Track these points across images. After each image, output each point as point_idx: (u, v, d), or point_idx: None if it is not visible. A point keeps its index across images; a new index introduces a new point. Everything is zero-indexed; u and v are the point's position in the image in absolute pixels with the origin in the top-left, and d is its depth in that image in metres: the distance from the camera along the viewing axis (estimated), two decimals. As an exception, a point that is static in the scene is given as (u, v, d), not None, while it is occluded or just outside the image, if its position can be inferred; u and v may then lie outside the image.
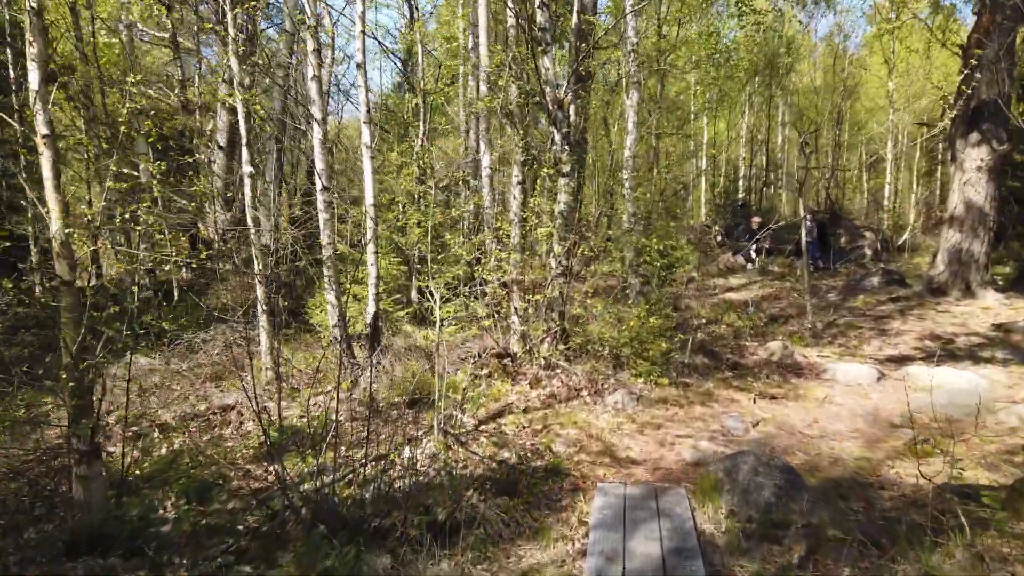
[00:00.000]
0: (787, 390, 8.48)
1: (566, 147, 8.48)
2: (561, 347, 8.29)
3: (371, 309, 8.20)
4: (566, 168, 8.51)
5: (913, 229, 20.29)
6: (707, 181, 24.63)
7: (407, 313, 10.52)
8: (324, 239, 7.75)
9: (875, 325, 11.51)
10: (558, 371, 8.17)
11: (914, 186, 21.05)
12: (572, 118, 8.54)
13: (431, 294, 7.90)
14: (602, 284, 13.34)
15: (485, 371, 8.24)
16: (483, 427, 6.91)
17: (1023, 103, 14.75)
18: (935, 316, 11.86)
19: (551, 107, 8.27)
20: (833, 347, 10.40)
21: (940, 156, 21.60)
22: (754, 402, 7.89)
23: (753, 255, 18.40)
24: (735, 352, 10.15)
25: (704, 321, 11.91)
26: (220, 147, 14.67)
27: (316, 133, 7.68)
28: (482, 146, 10.78)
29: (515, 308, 8.58)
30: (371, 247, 8.17)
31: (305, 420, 7.11)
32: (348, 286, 9.15)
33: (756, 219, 18.30)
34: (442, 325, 9.19)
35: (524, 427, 6.90)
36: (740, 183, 23.21)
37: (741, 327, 10.94)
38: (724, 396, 8.09)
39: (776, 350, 9.88)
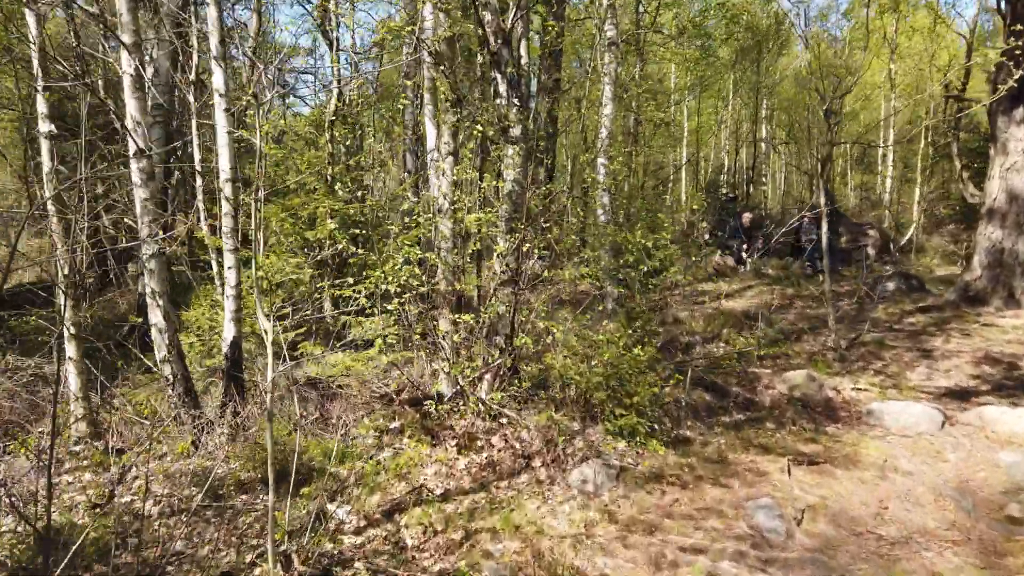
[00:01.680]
0: (827, 447, 5.83)
1: (515, 100, 5.78)
2: (506, 389, 5.59)
3: (228, 334, 5.44)
4: (515, 131, 5.81)
5: (917, 228, 17.89)
6: (689, 175, 22.08)
7: (314, 331, 7.76)
8: (143, 229, 4.98)
9: (912, 344, 8.93)
10: (503, 424, 5.47)
11: (918, 180, 18.62)
12: (523, 58, 5.83)
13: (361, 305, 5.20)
14: (571, 293, 10.66)
15: (397, 423, 5.51)
16: (370, 531, 4.17)
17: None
18: (981, 331, 9.32)
19: (492, 40, 5.56)
20: (868, 375, 7.80)
21: (945, 146, 19.21)
22: (788, 472, 5.21)
23: (744, 256, 15.84)
24: (744, 384, 7.51)
25: (699, 339, 9.27)
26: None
27: (125, 64, 4.93)
28: (428, 123, 7.94)
29: (442, 332, 5.87)
30: (227, 242, 5.42)
31: (100, 511, 4.34)
32: (220, 299, 6.35)
33: (747, 215, 15.73)
34: (356, 347, 6.43)
35: (436, 532, 4.17)
36: (723, 177, 20.63)
37: (747, 348, 8.31)
38: (743, 463, 5.40)
39: (798, 381, 7.26)
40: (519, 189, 5.84)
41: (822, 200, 8.56)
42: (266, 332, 3.38)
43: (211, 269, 8.11)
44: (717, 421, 6.61)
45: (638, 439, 5.31)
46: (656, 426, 5.67)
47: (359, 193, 8.17)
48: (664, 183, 18.97)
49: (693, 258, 15.64)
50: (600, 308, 10.59)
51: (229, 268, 5.44)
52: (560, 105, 17.30)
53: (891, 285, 12.52)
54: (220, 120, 5.42)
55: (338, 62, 8.83)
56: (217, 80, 5.41)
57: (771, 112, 24.36)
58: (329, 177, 8.25)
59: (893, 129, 18.42)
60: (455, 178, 6.06)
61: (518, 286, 5.76)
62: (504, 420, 5.52)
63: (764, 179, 26.26)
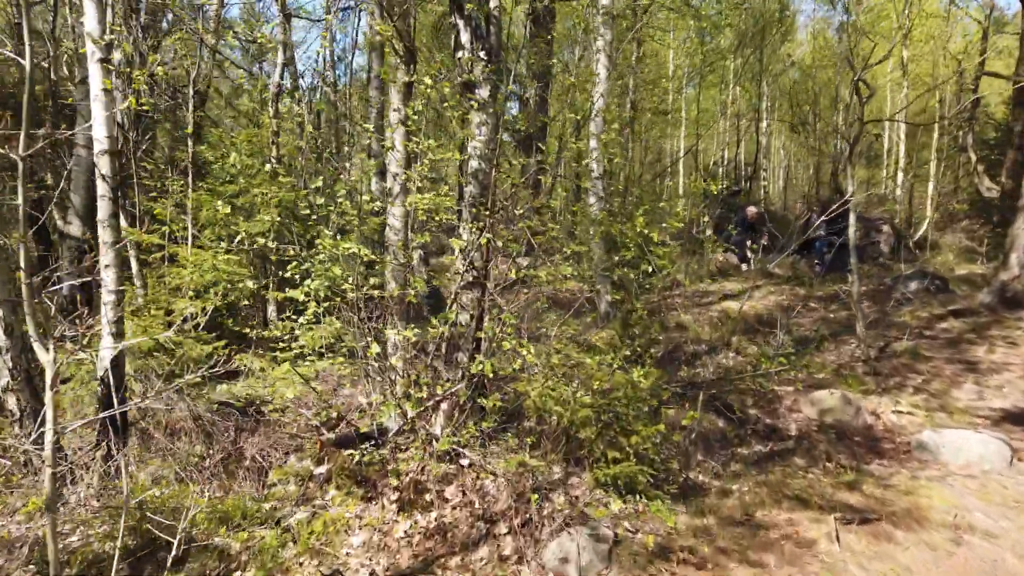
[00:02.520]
0: (878, 496, 4.51)
1: (481, 53, 4.46)
2: (466, 424, 4.26)
3: (105, 352, 4.11)
4: (482, 92, 4.48)
5: (931, 223, 16.60)
6: (688, 168, 20.75)
7: (252, 334, 6.42)
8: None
9: (952, 354, 7.63)
10: (462, 468, 4.14)
11: (931, 173, 17.31)
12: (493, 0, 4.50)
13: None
14: (557, 295, 9.36)
15: (324, 468, 4.19)
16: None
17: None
18: (1028, 339, 8.03)
19: (449, -29, 4.25)
20: (907, 393, 6.48)
21: (957, 138, 17.90)
22: (836, 539, 3.90)
23: (749, 254, 14.53)
24: (763, 406, 6.20)
25: (704, 348, 7.95)
26: None
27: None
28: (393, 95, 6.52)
29: (389, 346, 4.55)
30: (105, 234, 4.09)
31: None
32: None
33: (752, 209, 14.39)
34: (294, 362, 5.13)
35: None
36: (721, 170, 19.25)
37: (769, 367, 6.98)
38: (777, 523, 4.07)
39: (829, 403, 5.94)
40: (485, 167, 4.51)
41: (850, 187, 7.25)
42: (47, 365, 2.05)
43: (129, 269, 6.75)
44: (734, 455, 5.31)
45: (638, 494, 3.99)
46: (660, 473, 4.34)
47: (315, 180, 6.83)
48: (661, 175, 17.65)
49: (695, 255, 14.36)
50: (592, 314, 9.31)
51: (107, 267, 4.11)
52: (552, 92, 15.99)
53: (913, 285, 11.21)
54: (94, 74, 4.09)
55: (287, 23, 7.45)
56: (89, 19, 4.08)
57: (773, 102, 23.04)
58: (274, 160, 6.92)
59: (904, 119, 17.08)
60: (408, 152, 4.73)
61: (485, 290, 4.43)
62: (464, 463, 4.19)
63: (765, 173, 24.96)
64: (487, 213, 4.42)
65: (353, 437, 4.22)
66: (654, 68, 18.67)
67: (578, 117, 6.62)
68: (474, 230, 4.55)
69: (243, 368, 6.40)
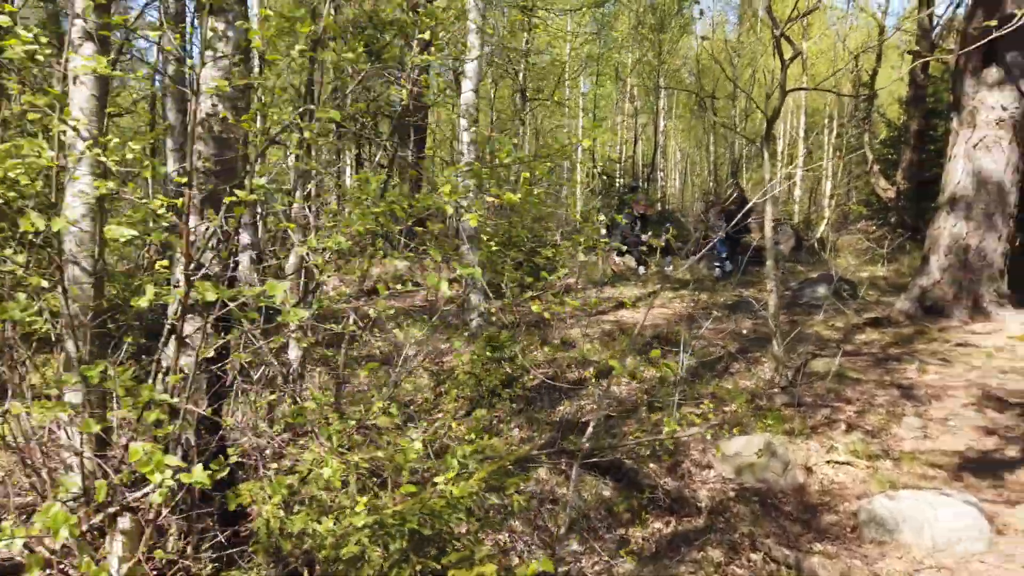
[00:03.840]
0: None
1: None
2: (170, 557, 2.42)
3: None
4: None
5: (828, 224, 15.85)
6: (584, 166, 19.41)
7: None
8: None
9: (881, 375, 6.31)
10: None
11: (829, 173, 16.59)
12: None
13: None
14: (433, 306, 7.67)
15: None
16: None
17: None
18: (961, 356, 6.84)
19: None
20: (841, 432, 5.04)
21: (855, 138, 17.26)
22: None
23: (645, 256, 13.19)
24: (662, 460, 4.59)
25: (593, 373, 6.32)
26: None
27: None
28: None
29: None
30: None
31: None
32: None
33: (644, 204, 13.03)
34: None
35: None
36: (618, 167, 17.95)
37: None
38: None
39: (749, 457, 4.40)
40: (225, 108, 2.66)
41: (766, 173, 5.80)
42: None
43: None
44: (624, 539, 3.66)
45: None
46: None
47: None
48: (550, 173, 16.14)
49: (586, 257, 12.88)
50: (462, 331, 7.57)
51: None
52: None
53: (821, 290, 10.07)
54: None
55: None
56: None
57: (672, 100, 22.09)
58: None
59: (804, 115, 16.30)
60: (94, 89, 2.83)
61: (209, 316, 2.58)
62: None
63: (662, 174, 24.01)
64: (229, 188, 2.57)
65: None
66: (551, 58, 17.21)
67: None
68: (208, 215, 2.70)
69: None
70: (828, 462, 4.54)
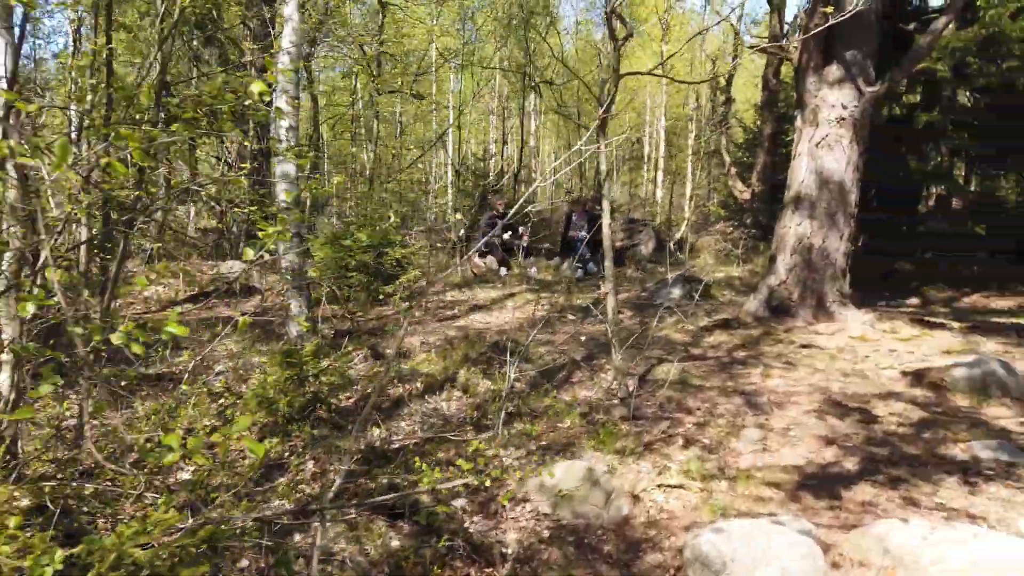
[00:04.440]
0: None
1: None
2: None
3: None
4: None
5: (688, 225, 15.92)
6: (452, 163, 18.65)
7: None
8: None
9: (725, 381, 5.93)
10: None
11: (689, 173, 16.69)
12: None
13: None
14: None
15: None
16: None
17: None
18: (804, 358, 6.60)
19: None
20: (677, 449, 4.54)
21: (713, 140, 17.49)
22: None
23: (507, 256, 12.60)
24: (478, 493, 3.88)
25: (418, 388, 5.56)
26: None
27: None
28: None
29: None
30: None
31: None
32: None
33: (501, 203, 12.44)
34: None
35: None
36: (484, 165, 17.32)
37: (493, 405, 4.72)
38: None
39: (568, 487, 3.77)
40: None
41: (602, 164, 5.25)
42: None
43: None
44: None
45: None
46: None
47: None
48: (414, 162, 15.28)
49: (445, 255, 12.15)
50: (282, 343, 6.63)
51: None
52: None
53: (677, 291, 9.81)
54: None
55: None
56: None
57: (542, 98, 21.73)
58: None
59: (664, 118, 16.30)
60: None
61: None
62: None
63: (535, 175, 23.69)
64: None
65: None
66: (417, 50, 16.33)
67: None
68: None
69: None
70: (659, 486, 3.99)
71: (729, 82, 16.09)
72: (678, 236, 15.44)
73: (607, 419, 5.00)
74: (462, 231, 12.21)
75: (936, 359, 6.31)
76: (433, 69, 15.11)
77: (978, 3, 8.96)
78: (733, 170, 15.66)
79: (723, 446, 4.64)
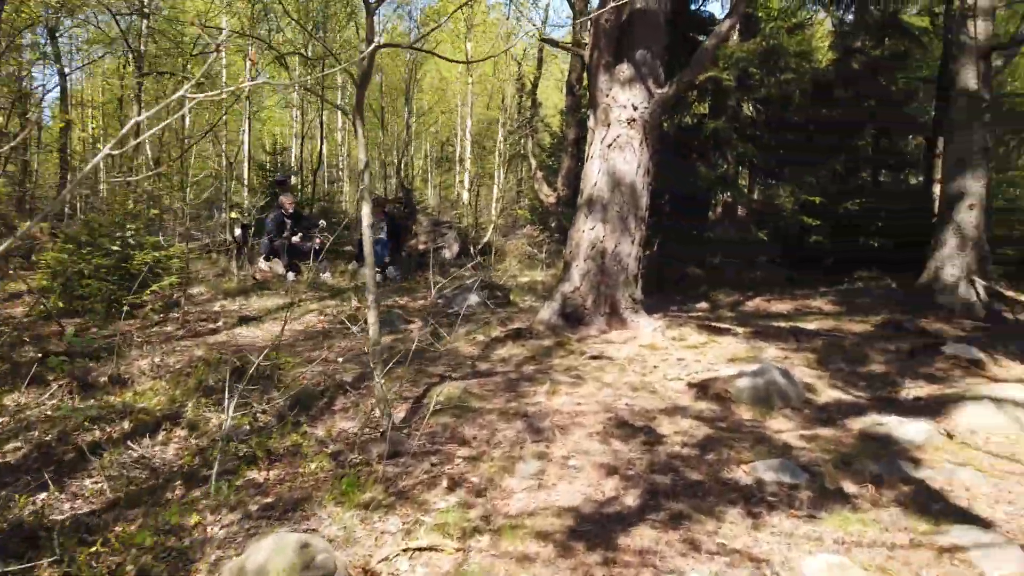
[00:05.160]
0: None
1: None
2: None
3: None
4: None
5: (495, 228, 15.49)
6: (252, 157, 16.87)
7: None
8: None
9: (508, 401, 5.27)
10: None
11: (496, 175, 16.26)
12: None
13: None
14: None
15: None
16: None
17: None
18: (595, 370, 6.14)
19: None
20: (439, 493, 3.77)
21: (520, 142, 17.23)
22: None
23: (294, 260, 11.35)
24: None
25: (125, 428, 4.35)
26: None
27: None
28: None
29: None
30: None
31: None
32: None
33: (289, 200, 11.19)
34: None
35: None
36: (279, 159, 15.76)
37: (214, 450, 3.66)
38: None
39: (273, 566, 2.84)
40: None
41: (361, 154, 4.38)
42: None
43: None
44: None
45: None
46: None
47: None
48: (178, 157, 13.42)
49: (216, 259, 10.68)
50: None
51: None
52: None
53: (473, 298, 9.20)
54: None
55: None
56: None
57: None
58: None
59: (471, 119, 15.76)
60: None
61: None
62: None
63: (341, 173, 22.33)
64: None
65: None
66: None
67: None
68: None
69: None
70: (406, 551, 3.18)
71: (535, 85, 15.88)
72: (485, 239, 14.94)
73: (362, 459, 4.13)
74: (237, 231, 10.76)
75: (722, 367, 6.10)
76: (216, 51, 13.39)
77: (759, 14, 9.19)
78: (540, 174, 15.47)
79: (495, 485, 3.93)
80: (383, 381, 4.42)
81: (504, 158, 16.28)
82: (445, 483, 3.90)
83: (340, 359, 6.40)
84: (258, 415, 4.70)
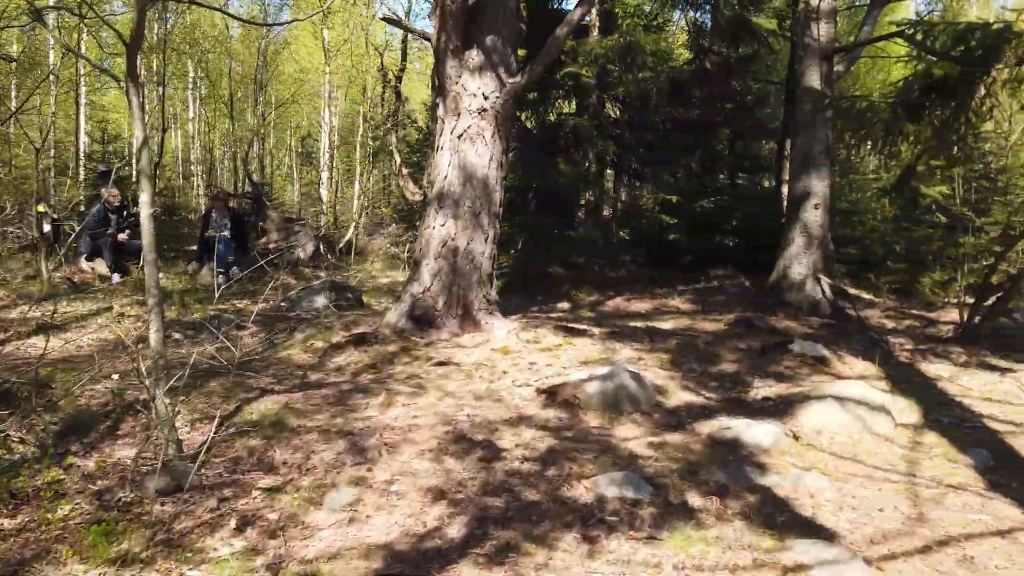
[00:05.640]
0: None
1: None
2: None
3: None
4: None
5: (357, 228, 14.67)
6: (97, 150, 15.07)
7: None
8: None
9: (332, 418, 4.64)
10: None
11: (357, 175, 15.41)
12: None
13: None
14: None
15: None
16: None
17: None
18: (438, 378, 5.62)
19: None
20: (225, 533, 3.11)
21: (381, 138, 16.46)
22: None
23: (117, 258, 10.10)
24: None
25: None
26: None
27: None
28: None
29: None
30: None
31: None
32: None
33: (113, 193, 9.95)
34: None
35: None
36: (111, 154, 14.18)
37: None
38: None
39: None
40: None
41: (137, 127, 3.64)
42: None
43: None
44: None
45: None
46: None
47: None
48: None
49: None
50: None
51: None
52: None
53: (320, 300, 8.46)
54: None
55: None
56: None
57: (200, 87, 18.93)
58: None
59: (334, 113, 14.85)
60: None
61: None
62: None
63: (194, 168, 20.64)
64: None
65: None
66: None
67: None
68: None
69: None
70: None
71: (399, 78, 15.21)
72: (346, 239, 14.10)
73: (134, 497, 3.39)
74: (46, 227, 9.42)
75: (574, 371, 5.74)
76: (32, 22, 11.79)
77: (617, 11, 9.03)
78: (405, 170, 14.80)
79: (296, 522, 3.31)
80: (168, 400, 3.69)
81: (367, 153, 15.47)
82: (233, 523, 3.24)
83: (145, 372, 5.51)
84: (13, 445, 3.82)
